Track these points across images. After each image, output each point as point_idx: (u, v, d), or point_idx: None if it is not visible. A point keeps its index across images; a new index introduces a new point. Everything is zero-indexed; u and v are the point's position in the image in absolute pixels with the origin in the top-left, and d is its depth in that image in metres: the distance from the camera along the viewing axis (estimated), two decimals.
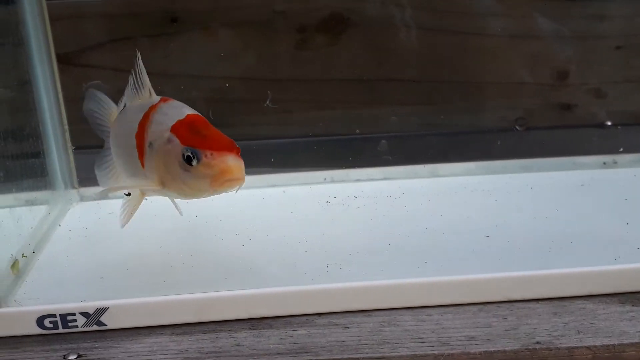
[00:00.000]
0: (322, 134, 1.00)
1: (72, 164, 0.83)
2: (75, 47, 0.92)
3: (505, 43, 0.98)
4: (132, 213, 0.63)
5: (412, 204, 0.77)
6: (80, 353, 0.55)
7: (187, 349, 0.55)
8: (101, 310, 0.57)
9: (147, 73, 0.61)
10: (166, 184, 0.57)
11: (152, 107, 0.59)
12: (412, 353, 0.54)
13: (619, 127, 1.02)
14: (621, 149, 0.92)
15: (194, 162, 0.53)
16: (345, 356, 0.53)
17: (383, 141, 0.88)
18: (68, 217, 0.78)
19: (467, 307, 0.60)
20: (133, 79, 0.61)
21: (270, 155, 0.93)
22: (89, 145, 0.82)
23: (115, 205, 0.79)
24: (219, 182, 0.53)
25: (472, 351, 0.54)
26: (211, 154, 0.53)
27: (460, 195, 0.79)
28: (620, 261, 0.62)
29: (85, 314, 0.57)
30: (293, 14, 0.96)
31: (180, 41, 0.94)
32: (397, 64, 0.99)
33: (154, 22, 0.94)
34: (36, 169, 0.80)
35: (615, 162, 0.85)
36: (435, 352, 0.54)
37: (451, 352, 0.53)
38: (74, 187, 0.83)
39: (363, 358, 0.53)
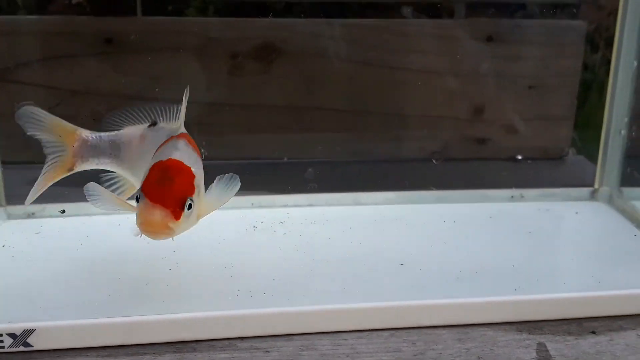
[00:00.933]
0: (251, 158, 1.03)
1: (0, 181, 0.83)
2: (7, 63, 0.92)
3: (427, 78, 1.05)
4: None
5: (334, 231, 0.81)
6: None
7: None
8: (28, 332, 0.58)
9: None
10: None
11: (167, 140, 0.63)
12: None
13: (528, 161, 1.10)
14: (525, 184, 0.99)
15: (136, 204, 0.57)
16: None
17: (310, 169, 0.92)
18: None
19: (380, 332, 0.64)
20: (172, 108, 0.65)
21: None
22: (16, 161, 0.82)
23: (44, 224, 0.81)
24: (141, 227, 0.57)
25: None
26: (143, 202, 0.57)
27: (380, 224, 0.83)
28: (520, 292, 0.68)
29: (12, 335, 0.58)
30: (227, 42, 0.99)
31: (115, 62, 0.96)
32: (325, 93, 1.04)
33: (88, 42, 0.95)
34: None
35: (522, 196, 0.91)
36: None
37: None
38: (1, 205, 0.83)
39: None
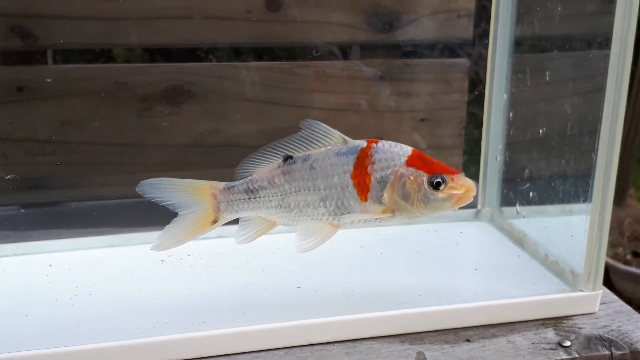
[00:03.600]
0: None
1: None
2: None
3: (328, 115, 1.12)
4: (259, 237, 0.73)
5: (239, 260, 0.87)
6: None
7: None
8: None
9: None
10: (400, 211, 0.69)
11: (365, 150, 0.70)
12: None
13: None
14: None
15: (442, 187, 0.67)
16: None
17: None
18: None
19: (275, 352, 0.70)
20: (309, 132, 0.71)
21: (115, 215, 1.00)
22: None
23: None
24: (464, 198, 0.68)
25: None
26: (453, 178, 0.67)
27: (281, 250, 0.89)
28: (404, 306, 0.75)
29: None
30: (135, 85, 1.05)
31: (26, 108, 1.00)
32: (233, 131, 1.10)
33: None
34: None
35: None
36: None
37: None
38: None
39: None
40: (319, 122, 0.72)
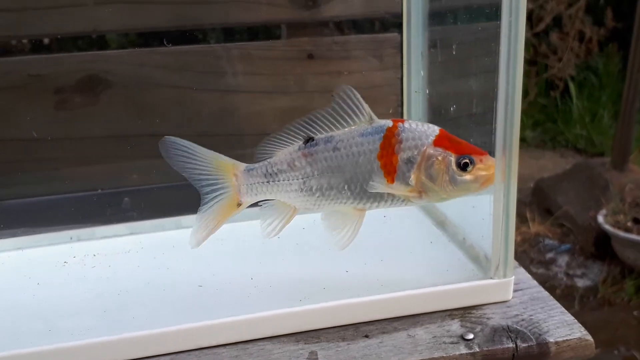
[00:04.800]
0: (82, 190, 1.04)
1: None
2: None
3: (255, 99, 1.08)
4: (283, 228, 0.70)
5: (146, 259, 0.83)
6: None
7: None
8: None
9: None
10: (426, 192, 0.67)
11: (392, 129, 0.67)
12: None
13: None
14: None
15: (469, 168, 0.65)
16: None
17: (126, 199, 0.94)
18: None
19: (160, 358, 0.67)
20: (339, 108, 0.67)
21: (28, 214, 0.97)
22: None
23: None
24: (490, 180, 0.66)
25: None
26: (481, 159, 0.66)
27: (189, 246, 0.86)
28: (305, 302, 0.71)
29: None
30: (49, 78, 1.01)
31: None
32: (156, 120, 1.06)
33: None
34: None
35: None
36: None
37: None
38: None
39: None
40: (353, 92, 0.68)
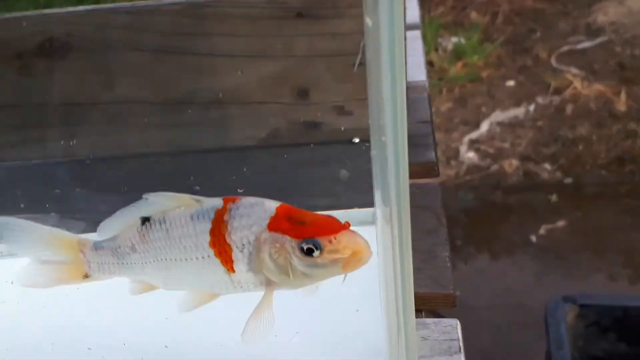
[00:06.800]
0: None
1: None
2: None
3: (235, 63, 0.95)
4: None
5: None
6: None
7: None
8: None
9: None
10: (280, 282, 0.55)
11: (221, 212, 0.56)
12: None
13: (367, 143, 0.99)
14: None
15: (316, 253, 0.52)
16: None
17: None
18: None
19: None
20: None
21: None
22: None
23: None
24: (353, 262, 0.52)
25: None
26: (331, 240, 0.52)
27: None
28: None
29: None
30: (5, 42, 0.92)
31: None
32: (125, 85, 0.96)
33: None
34: None
35: None
36: None
37: None
38: None
39: None
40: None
